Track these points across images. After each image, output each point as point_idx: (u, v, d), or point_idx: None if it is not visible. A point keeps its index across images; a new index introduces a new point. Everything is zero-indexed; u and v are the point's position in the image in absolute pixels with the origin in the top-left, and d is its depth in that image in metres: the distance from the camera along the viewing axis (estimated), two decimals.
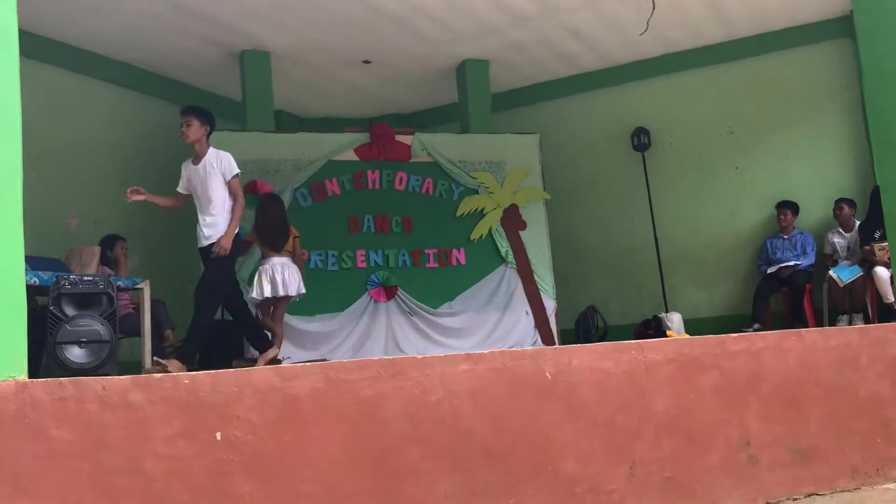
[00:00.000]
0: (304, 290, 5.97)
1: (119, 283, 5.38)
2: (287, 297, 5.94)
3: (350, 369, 3.14)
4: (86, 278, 4.22)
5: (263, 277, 5.86)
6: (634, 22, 7.42)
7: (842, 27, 7.67)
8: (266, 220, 6.07)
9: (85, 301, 4.22)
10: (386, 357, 3.32)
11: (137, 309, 6.00)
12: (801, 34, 8.01)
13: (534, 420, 3.43)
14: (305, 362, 6.25)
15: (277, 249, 5.99)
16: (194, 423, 2.86)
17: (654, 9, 7.07)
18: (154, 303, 6.05)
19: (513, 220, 7.83)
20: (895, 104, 4.86)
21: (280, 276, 5.85)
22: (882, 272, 6.49)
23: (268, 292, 5.82)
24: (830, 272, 7.05)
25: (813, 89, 8.02)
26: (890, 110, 4.92)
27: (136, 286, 5.83)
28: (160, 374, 2.94)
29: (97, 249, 6.11)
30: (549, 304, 7.77)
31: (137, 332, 5.81)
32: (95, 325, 4.03)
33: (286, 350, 6.62)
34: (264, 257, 6.04)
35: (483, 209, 7.75)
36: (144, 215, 7.68)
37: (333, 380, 3.10)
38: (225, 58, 7.80)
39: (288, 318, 7.01)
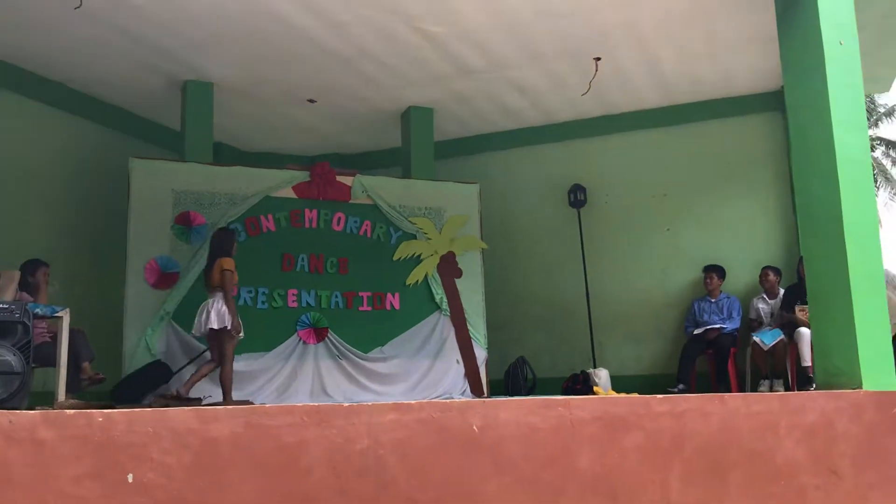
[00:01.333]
0: (215, 327, 5.84)
1: (37, 310, 5.16)
2: (220, 332, 5.87)
3: (272, 414, 3.06)
4: (1, 306, 4.04)
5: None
6: (577, 82, 7.61)
7: (774, 101, 7.99)
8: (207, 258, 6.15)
9: None
10: (311, 402, 3.25)
11: (55, 338, 5.76)
12: (735, 105, 8.32)
13: (459, 473, 3.39)
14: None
15: (206, 284, 6.00)
16: (105, 463, 2.74)
17: (596, 71, 7.27)
18: (73, 332, 5.82)
19: (449, 268, 7.84)
20: (820, 178, 5.05)
21: (202, 312, 5.92)
22: (805, 331, 6.67)
23: (193, 330, 5.91)
24: (754, 337, 7.22)
25: (745, 158, 8.31)
26: (815, 184, 5.12)
27: (56, 314, 5.60)
28: (72, 411, 2.81)
29: (16, 274, 5.87)
30: (480, 354, 7.78)
31: (53, 363, 5.56)
32: (7, 356, 3.84)
33: (207, 389, 6.46)
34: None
35: (420, 255, 7.74)
36: (68, 241, 7.46)
37: (255, 424, 3.01)
38: (167, 86, 7.68)
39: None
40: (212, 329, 5.87)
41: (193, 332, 6.06)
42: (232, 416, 2.97)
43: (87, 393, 6.41)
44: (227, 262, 5.98)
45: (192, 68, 7.32)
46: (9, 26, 6.33)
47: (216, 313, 5.85)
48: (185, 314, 6.83)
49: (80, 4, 5.56)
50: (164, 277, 6.88)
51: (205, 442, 2.90)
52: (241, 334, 6.02)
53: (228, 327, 5.85)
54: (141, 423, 2.82)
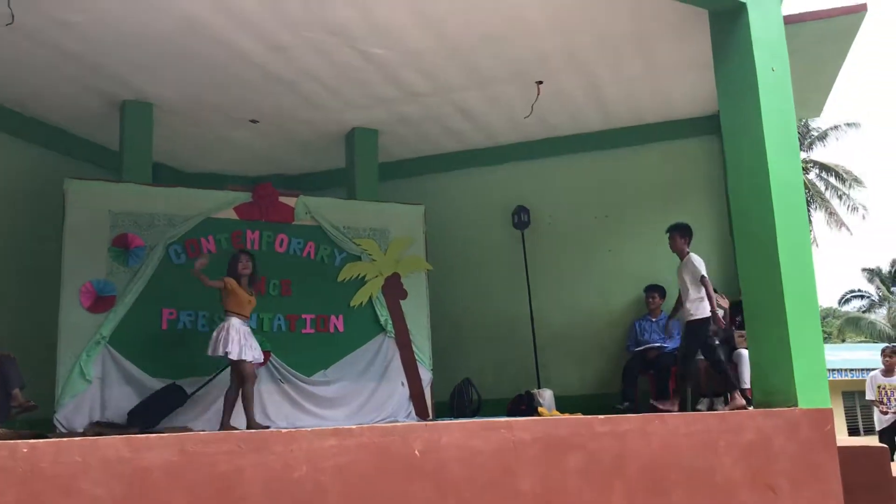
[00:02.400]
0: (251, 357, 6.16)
1: None
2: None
3: (207, 442, 2.99)
4: None
5: None
6: (521, 105, 7.69)
7: (711, 125, 8.17)
8: None
9: None
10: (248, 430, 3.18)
11: None
12: (674, 129, 8.51)
13: (401, 498, 3.35)
14: (163, 431, 5.98)
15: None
16: (31, 496, 2.64)
17: (538, 94, 7.35)
18: (2, 358, 5.65)
19: (394, 289, 7.80)
20: (755, 200, 5.18)
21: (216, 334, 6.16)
22: (745, 353, 6.76)
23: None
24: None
25: (684, 181, 8.49)
26: (750, 206, 5.25)
27: None
28: None
29: None
30: (426, 376, 7.73)
31: None
32: None
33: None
34: None
35: (365, 276, 7.68)
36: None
37: (189, 452, 2.93)
38: (105, 106, 7.53)
39: (150, 380, 6.72)
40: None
41: (209, 353, 6.14)
42: (165, 444, 2.90)
43: (19, 421, 6.19)
44: (232, 282, 6.21)
45: (131, 88, 7.19)
46: None
47: (224, 338, 6.01)
48: (123, 339, 6.68)
49: (13, 21, 5.41)
50: (101, 301, 6.69)
51: (137, 471, 2.82)
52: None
53: (246, 358, 6.05)
54: (69, 454, 2.73)
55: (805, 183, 24.34)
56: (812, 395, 4.82)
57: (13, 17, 5.40)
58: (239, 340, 6.08)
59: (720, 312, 6.59)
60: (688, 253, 6.72)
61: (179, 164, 9.25)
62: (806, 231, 5.17)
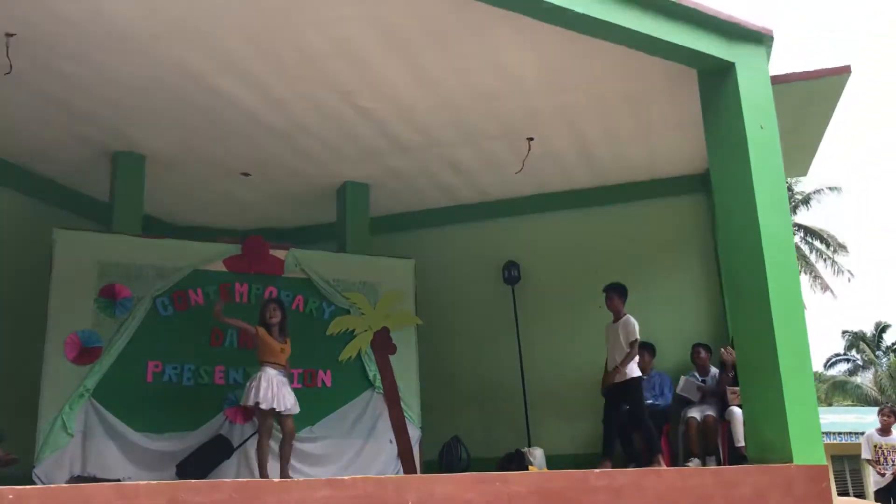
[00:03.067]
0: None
1: None
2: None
3: (199, 490, 2.91)
4: None
5: None
6: (511, 161, 7.75)
7: (699, 184, 8.29)
8: None
9: None
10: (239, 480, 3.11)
11: None
12: (662, 187, 8.59)
13: None
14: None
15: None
16: None
17: (529, 150, 7.43)
18: None
19: (383, 344, 7.73)
20: (746, 257, 5.21)
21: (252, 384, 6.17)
22: (738, 411, 6.73)
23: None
24: (688, 413, 7.30)
25: (673, 238, 8.54)
26: (741, 263, 5.28)
27: None
28: None
29: None
30: (414, 433, 7.61)
31: None
32: None
33: (127, 470, 6.16)
34: None
35: (354, 330, 7.62)
36: None
37: (179, 501, 2.85)
38: (96, 157, 7.53)
39: (133, 434, 6.59)
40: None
41: (241, 403, 6.28)
42: (155, 493, 2.81)
43: None
44: (262, 331, 6.28)
45: (123, 139, 7.21)
46: None
47: (255, 388, 6.06)
48: (107, 392, 6.57)
49: (10, 70, 5.44)
50: (86, 353, 6.59)
51: None
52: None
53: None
54: (55, 500, 2.64)
55: None
56: (807, 451, 4.77)
57: (11, 66, 5.42)
58: (269, 389, 6.07)
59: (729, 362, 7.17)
60: (625, 314, 6.88)
61: (170, 216, 9.23)
62: (797, 286, 5.18)
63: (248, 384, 6.19)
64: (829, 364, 40.29)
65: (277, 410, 6.08)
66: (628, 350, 6.71)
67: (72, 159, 7.60)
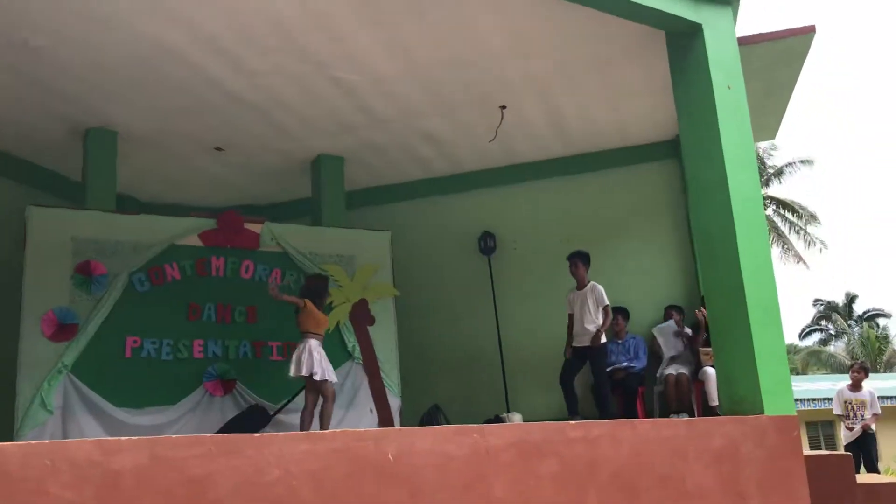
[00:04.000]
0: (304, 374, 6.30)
1: None
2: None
3: (179, 445, 2.95)
4: None
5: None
6: (484, 131, 7.79)
7: (670, 149, 8.38)
8: None
9: None
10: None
11: None
12: (634, 154, 8.68)
13: (375, 503, 3.32)
14: None
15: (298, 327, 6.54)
16: None
17: (502, 119, 7.47)
18: None
19: (361, 315, 7.78)
20: (715, 215, 5.29)
21: (296, 355, 6.37)
22: (711, 371, 6.89)
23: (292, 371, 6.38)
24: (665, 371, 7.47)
25: (645, 204, 8.64)
26: (711, 221, 5.35)
27: None
28: None
29: None
30: (394, 402, 7.69)
31: None
32: None
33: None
34: None
35: (332, 303, 7.65)
36: None
37: (160, 456, 2.89)
38: (68, 134, 7.47)
39: (113, 409, 6.61)
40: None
41: (292, 374, 6.34)
42: (136, 448, 2.85)
43: None
44: (310, 304, 6.47)
45: (95, 115, 7.15)
46: None
47: (317, 363, 6.27)
48: (85, 367, 6.58)
49: None
50: (63, 329, 6.59)
51: (107, 474, 2.76)
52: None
53: (330, 378, 6.34)
54: (37, 457, 2.67)
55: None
56: (778, 402, 4.88)
57: None
58: (321, 361, 6.30)
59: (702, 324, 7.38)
60: (589, 281, 7.09)
61: (143, 195, 9.18)
62: (766, 243, 5.27)
63: (296, 355, 6.32)
64: (804, 334, 40.94)
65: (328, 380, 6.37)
66: (602, 317, 6.94)
67: (44, 137, 7.53)
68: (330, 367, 6.47)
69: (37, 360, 6.41)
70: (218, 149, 8.02)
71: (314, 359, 6.28)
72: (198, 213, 7.72)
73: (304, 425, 6.31)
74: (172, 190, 9.13)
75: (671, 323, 7.79)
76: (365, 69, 6.51)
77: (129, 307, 6.88)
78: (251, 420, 6.78)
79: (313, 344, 6.38)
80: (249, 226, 7.52)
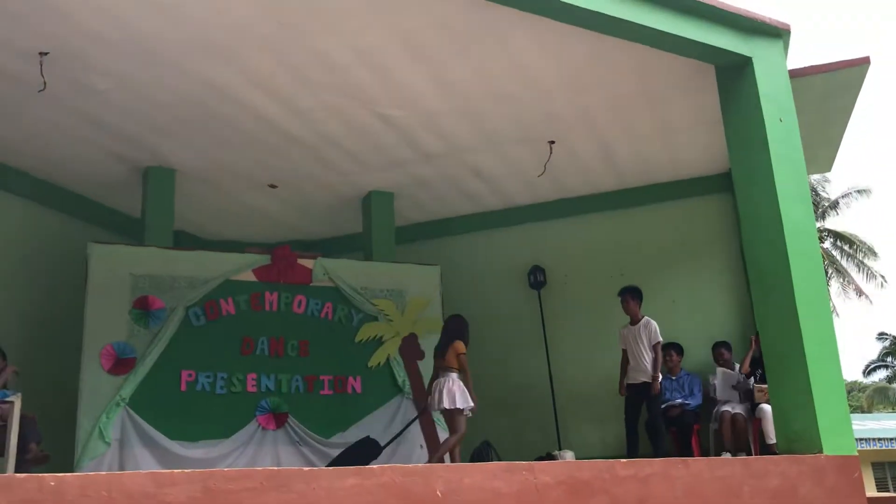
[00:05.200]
0: (463, 405, 6.49)
1: None
2: (451, 411, 6.49)
3: (231, 479, 2.99)
4: None
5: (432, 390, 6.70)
6: (534, 165, 7.80)
7: (722, 182, 8.27)
8: (440, 339, 6.93)
9: None
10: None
11: (3, 425, 5.58)
12: (686, 187, 8.59)
13: None
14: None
15: (438, 365, 6.77)
16: None
17: (551, 154, 7.48)
18: (23, 418, 5.67)
19: (411, 350, 7.81)
20: (769, 249, 5.21)
21: (436, 390, 6.57)
22: (768, 408, 6.72)
23: (435, 405, 6.61)
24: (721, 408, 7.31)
25: (697, 238, 8.53)
26: (764, 254, 5.28)
27: (6, 399, 5.47)
28: (23, 475, 2.72)
29: None
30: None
31: (1, 450, 5.38)
32: None
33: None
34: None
35: (382, 337, 7.72)
36: (24, 327, 7.33)
37: (212, 489, 2.94)
38: (128, 173, 7.73)
39: (168, 442, 6.72)
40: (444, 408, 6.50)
41: (429, 407, 6.74)
42: (189, 481, 2.90)
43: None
44: (461, 346, 6.67)
45: (154, 154, 7.39)
46: None
47: (447, 393, 6.47)
48: (142, 401, 6.71)
49: (45, 87, 5.62)
50: (121, 363, 6.77)
51: None
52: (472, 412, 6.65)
53: (460, 406, 6.48)
54: (95, 488, 2.74)
55: (821, 252, 24.21)
56: (837, 441, 4.75)
57: (45, 83, 5.60)
58: (464, 394, 6.55)
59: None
60: (642, 316, 7.05)
61: (199, 231, 9.41)
62: (821, 277, 5.18)
63: (440, 388, 6.51)
64: (869, 371, 39.59)
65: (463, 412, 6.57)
66: (653, 354, 6.90)
67: (105, 176, 7.80)
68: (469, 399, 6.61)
69: (96, 392, 6.58)
70: (272, 186, 8.20)
71: (466, 394, 6.53)
72: (252, 249, 7.87)
73: (446, 451, 6.50)
74: (228, 226, 9.34)
75: (738, 375, 7.59)
76: (413, 105, 6.61)
77: (184, 341, 7.03)
78: (362, 453, 6.83)
79: (454, 377, 6.59)
80: (302, 261, 7.64)
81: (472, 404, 6.56)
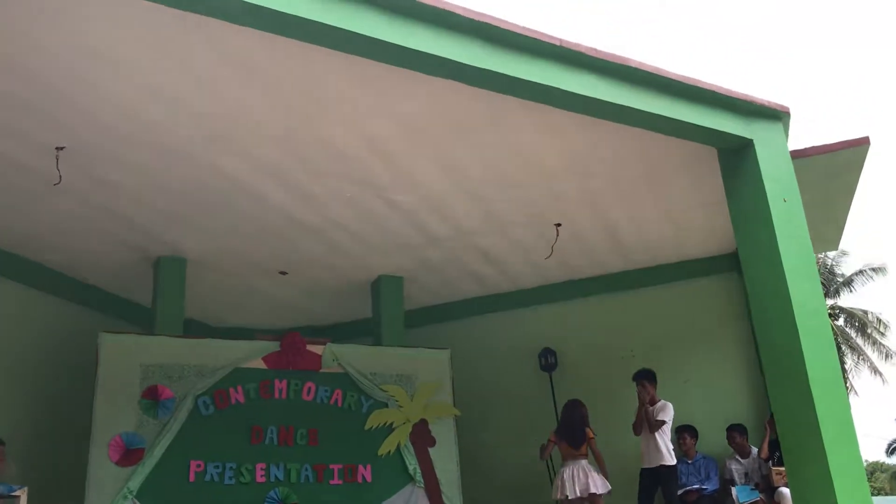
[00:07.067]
0: (601, 490, 6.91)
1: None
2: (594, 497, 6.85)
3: None
4: None
5: (559, 478, 7.02)
6: (540, 248, 7.85)
7: (729, 262, 8.29)
8: (564, 423, 7.31)
9: None
10: None
11: None
12: (692, 268, 8.62)
13: None
14: None
15: (567, 453, 7.15)
16: None
17: (557, 236, 7.54)
18: None
19: (422, 436, 7.71)
20: (780, 333, 5.17)
21: (569, 476, 6.91)
22: (786, 491, 6.56)
23: (564, 492, 6.91)
24: (733, 489, 7.12)
25: (706, 319, 8.51)
26: (775, 335, 5.24)
27: (13, 493, 5.41)
28: None
29: None
30: None
31: None
32: None
33: None
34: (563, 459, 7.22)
35: (392, 423, 7.63)
36: (31, 418, 7.30)
37: None
38: (139, 262, 7.81)
39: None
40: (592, 493, 6.86)
41: (567, 494, 6.92)
42: None
43: None
44: (591, 433, 7.22)
45: (165, 243, 7.48)
46: None
47: (598, 479, 6.95)
48: (150, 492, 6.62)
49: (60, 181, 5.75)
50: (129, 454, 6.69)
51: None
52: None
53: (602, 491, 6.89)
54: None
55: (834, 329, 23.98)
56: None
57: (60, 177, 5.73)
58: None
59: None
60: (659, 399, 7.01)
61: (209, 318, 9.44)
62: (834, 356, 5.12)
63: (577, 475, 6.97)
64: (891, 450, 38.66)
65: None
66: (655, 426, 7.03)
67: (116, 266, 7.89)
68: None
69: (104, 484, 6.47)
70: (282, 272, 8.26)
71: (598, 478, 6.92)
72: (262, 336, 7.87)
73: None
74: (238, 312, 9.38)
75: (760, 465, 7.45)
76: (419, 190, 6.68)
77: (193, 431, 6.96)
78: None
79: (585, 464, 7.00)
80: (311, 347, 7.63)
81: (609, 487, 6.95)
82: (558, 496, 6.95)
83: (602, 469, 7.03)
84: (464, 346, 8.74)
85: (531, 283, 9.02)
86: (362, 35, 4.25)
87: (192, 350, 7.28)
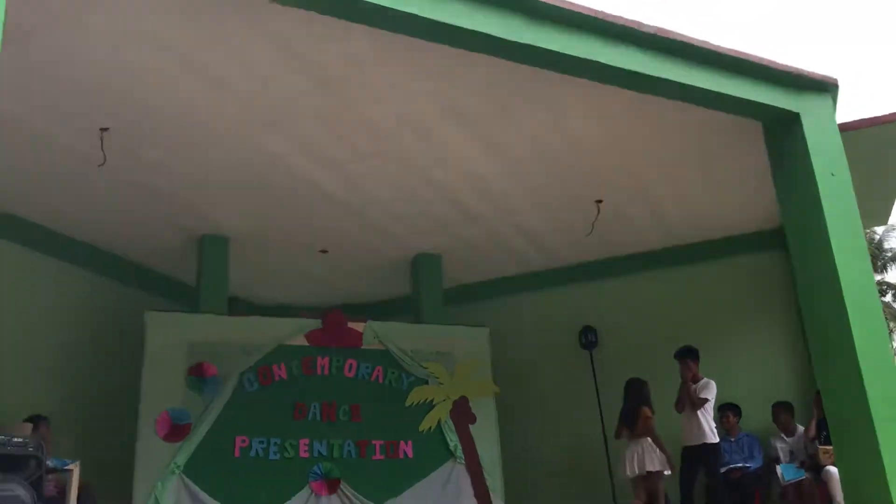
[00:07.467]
0: (657, 469, 6.82)
1: (47, 463, 5.10)
2: (651, 475, 6.81)
3: None
4: (16, 440, 4.02)
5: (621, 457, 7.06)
6: (581, 225, 7.79)
7: (775, 238, 8.11)
8: (624, 405, 7.25)
9: (11, 464, 3.98)
10: None
11: (62, 493, 5.65)
12: (737, 244, 8.48)
13: None
14: None
15: (626, 434, 7.10)
16: None
17: (598, 213, 7.47)
18: (81, 487, 5.74)
19: (463, 413, 7.75)
20: (828, 311, 5.04)
21: (630, 455, 6.90)
22: (834, 470, 6.47)
23: (625, 472, 6.92)
24: (777, 467, 7.05)
25: (751, 295, 8.37)
26: (822, 313, 5.12)
27: (66, 467, 5.55)
28: None
29: (28, 426, 5.85)
30: None
31: None
32: (18, 490, 3.78)
33: None
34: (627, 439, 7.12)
35: (433, 400, 7.67)
36: (81, 395, 7.47)
37: None
38: (184, 241, 7.92)
39: None
40: (649, 472, 6.80)
41: (627, 473, 6.92)
42: None
43: None
44: (647, 412, 7.01)
45: (208, 222, 7.57)
46: (32, 185, 6.60)
47: (656, 457, 6.82)
48: (196, 467, 6.75)
49: (104, 162, 5.83)
50: (176, 429, 6.83)
51: None
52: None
53: (665, 471, 6.81)
54: None
55: (882, 306, 23.31)
56: None
57: (105, 158, 5.81)
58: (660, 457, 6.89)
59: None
60: (702, 377, 7.05)
61: (252, 296, 9.56)
62: (884, 334, 5.00)
63: (637, 455, 6.87)
64: None
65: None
66: (696, 404, 6.91)
67: (161, 245, 8.01)
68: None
69: (152, 459, 6.63)
70: (323, 251, 8.32)
71: (656, 457, 6.81)
72: (305, 314, 7.94)
73: None
74: (280, 291, 9.47)
75: (806, 444, 7.35)
76: (459, 169, 6.68)
77: (238, 407, 7.09)
78: None
79: (645, 442, 6.88)
80: (353, 325, 7.70)
81: (668, 467, 6.83)
82: (625, 475, 6.99)
83: (660, 448, 6.88)
84: (503, 325, 8.73)
85: (571, 260, 8.95)
86: (397, 10, 4.20)
87: (236, 327, 7.41)
